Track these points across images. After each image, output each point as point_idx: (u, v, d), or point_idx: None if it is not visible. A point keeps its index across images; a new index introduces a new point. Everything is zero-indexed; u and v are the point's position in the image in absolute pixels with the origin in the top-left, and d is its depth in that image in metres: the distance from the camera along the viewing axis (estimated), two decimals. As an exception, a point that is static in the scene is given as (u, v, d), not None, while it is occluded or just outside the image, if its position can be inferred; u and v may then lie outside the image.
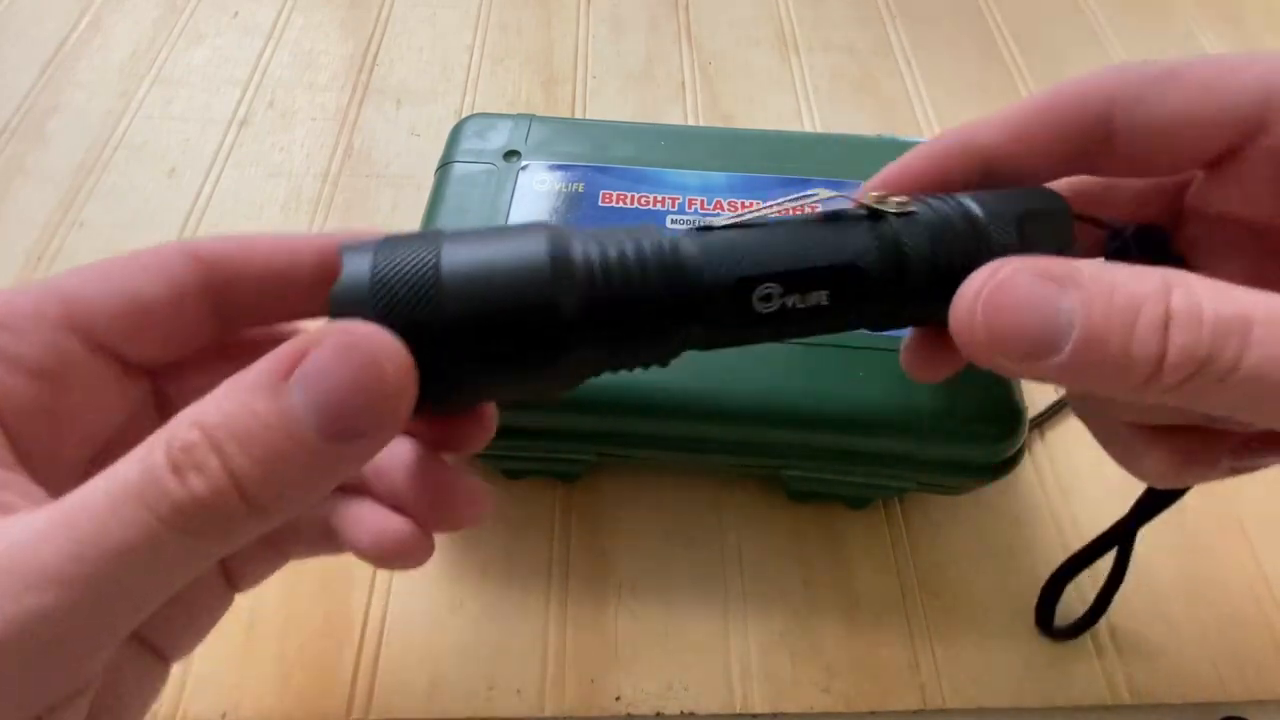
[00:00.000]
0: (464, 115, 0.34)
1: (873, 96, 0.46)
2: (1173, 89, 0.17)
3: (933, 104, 0.46)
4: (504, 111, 0.34)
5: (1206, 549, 0.30)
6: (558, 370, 0.16)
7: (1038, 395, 0.33)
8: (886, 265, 0.17)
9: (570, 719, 0.26)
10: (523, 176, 0.31)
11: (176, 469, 0.12)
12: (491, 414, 0.18)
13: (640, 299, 0.16)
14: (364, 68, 0.46)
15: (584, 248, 0.16)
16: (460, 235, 0.15)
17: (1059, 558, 0.30)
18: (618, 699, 0.27)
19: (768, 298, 0.16)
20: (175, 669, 0.26)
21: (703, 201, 0.30)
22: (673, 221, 0.29)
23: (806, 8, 0.51)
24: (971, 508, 0.31)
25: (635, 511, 0.30)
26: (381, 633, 0.27)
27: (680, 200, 0.30)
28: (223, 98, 0.44)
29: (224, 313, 0.17)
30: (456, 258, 0.15)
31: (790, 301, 0.16)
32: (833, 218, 0.17)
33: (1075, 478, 0.32)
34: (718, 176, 0.31)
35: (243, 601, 0.28)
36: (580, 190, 0.30)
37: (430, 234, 0.16)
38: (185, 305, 0.16)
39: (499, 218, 0.29)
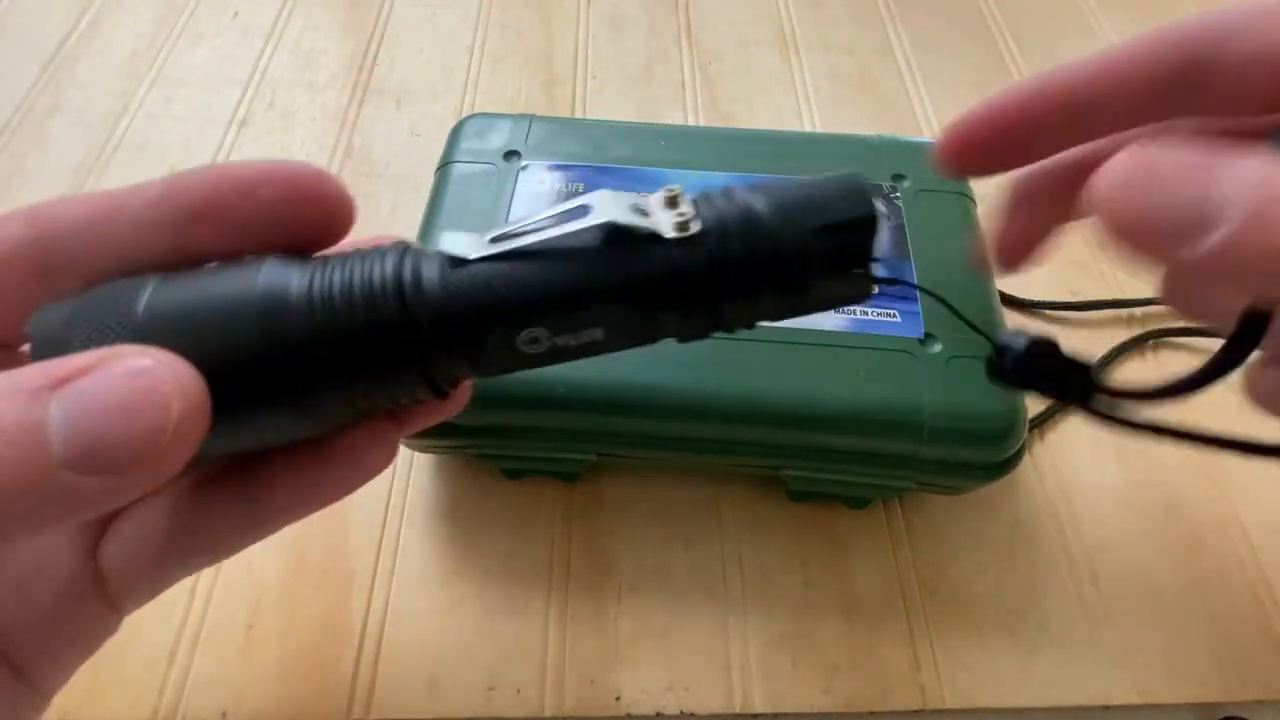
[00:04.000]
0: (464, 115, 0.34)
1: (873, 96, 0.46)
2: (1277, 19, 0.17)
3: (933, 104, 0.46)
4: (504, 111, 0.34)
5: (1206, 549, 0.30)
6: (296, 412, 0.14)
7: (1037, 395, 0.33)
8: (663, 296, 0.15)
9: (570, 719, 0.26)
10: (523, 176, 0.31)
11: None
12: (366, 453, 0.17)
13: (361, 346, 0.14)
14: (364, 68, 0.46)
15: (308, 280, 0.14)
16: (178, 274, 0.14)
17: (1059, 558, 0.30)
18: (618, 699, 0.27)
19: (535, 340, 0.15)
20: (175, 670, 0.26)
21: (703, 201, 0.30)
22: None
23: (806, 8, 0.51)
24: (971, 508, 0.31)
25: (635, 511, 0.30)
26: (381, 633, 0.27)
27: (680, 200, 0.30)
28: (223, 98, 0.44)
29: (51, 266, 0.15)
30: (161, 297, 0.14)
31: (562, 341, 0.15)
32: (613, 240, 0.15)
33: (1075, 478, 0.32)
34: (718, 176, 0.31)
35: (243, 601, 0.28)
36: (580, 190, 0.30)
37: (148, 277, 0.14)
38: (10, 258, 0.15)
39: (499, 218, 0.29)
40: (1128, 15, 0.52)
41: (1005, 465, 0.27)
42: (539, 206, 0.30)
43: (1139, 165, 0.14)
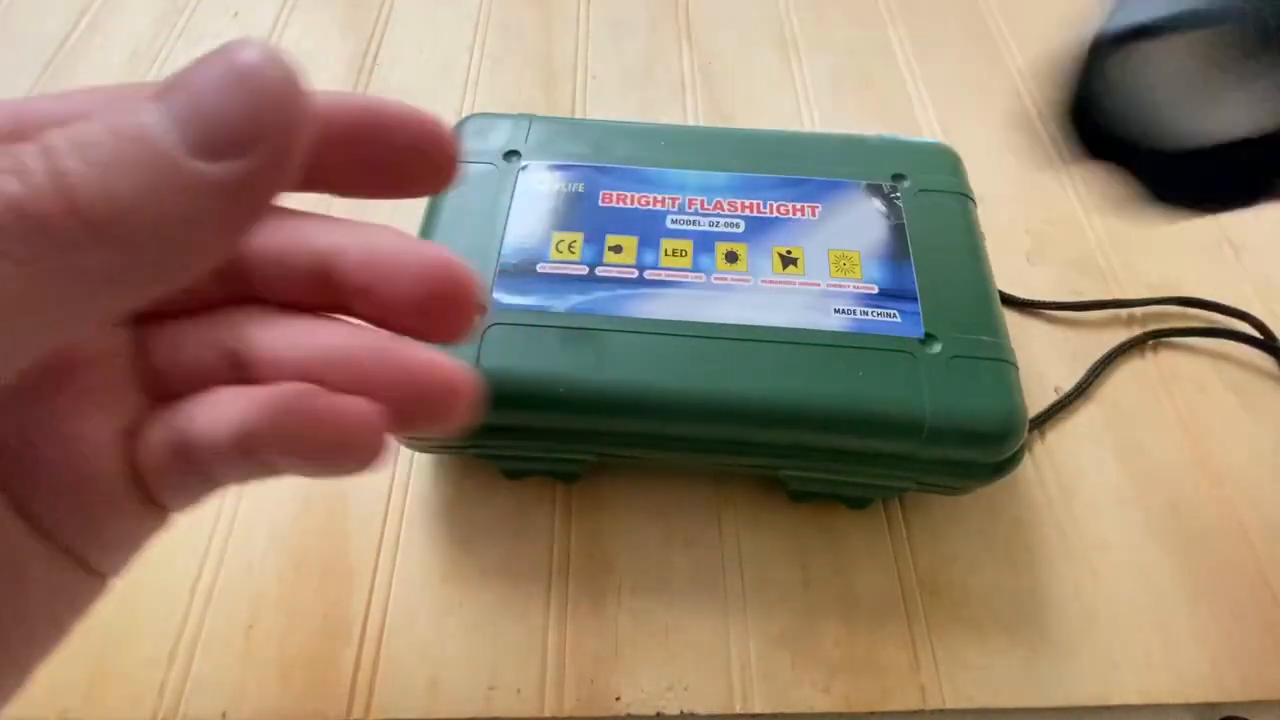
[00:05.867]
0: (464, 115, 0.34)
1: (873, 96, 0.46)
2: None
3: (933, 104, 0.46)
4: (504, 111, 0.34)
5: (1206, 548, 0.30)
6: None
7: (1038, 395, 0.33)
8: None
9: (570, 719, 0.26)
10: (523, 176, 0.31)
11: None
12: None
13: None
14: (364, 68, 0.46)
15: None
16: None
17: (1059, 558, 0.30)
18: (618, 699, 0.27)
19: None
20: (175, 670, 0.26)
21: (703, 201, 0.30)
22: (673, 222, 0.29)
23: (806, 8, 0.51)
24: (971, 508, 0.31)
25: (635, 511, 0.30)
26: (381, 633, 0.27)
27: (680, 200, 0.30)
28: (223, 98, 0.44)
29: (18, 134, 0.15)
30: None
31: None
32: None
33: (1075, 478, 0.32)
34: (718, 176, 0.31)
35: (243, 601, 0.28)
36: (580, 190, 0.30)
37: None
38: None
39: (499, 218, 0.29)
40: (1128, 15, 0.52)
41: (1005, 465, 0.27)
42: (539, 207, 0.30)
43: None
